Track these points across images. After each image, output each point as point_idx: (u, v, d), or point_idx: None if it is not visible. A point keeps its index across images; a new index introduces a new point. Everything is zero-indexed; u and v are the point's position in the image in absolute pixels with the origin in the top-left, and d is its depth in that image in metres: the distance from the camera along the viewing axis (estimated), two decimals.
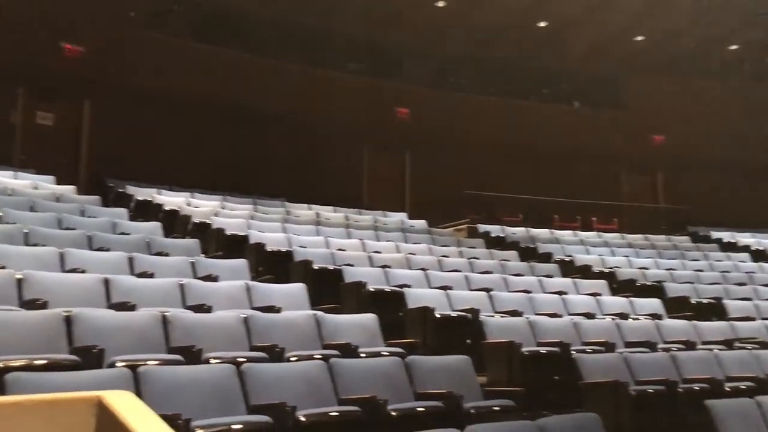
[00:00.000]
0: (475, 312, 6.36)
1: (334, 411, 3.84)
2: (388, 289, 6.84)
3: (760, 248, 13.47)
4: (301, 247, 7.98)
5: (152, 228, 7.93)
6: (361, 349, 4.82)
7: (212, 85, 13.07)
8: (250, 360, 4.16)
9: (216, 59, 13.65)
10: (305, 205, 12.11)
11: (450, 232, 12.35)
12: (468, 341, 6.22)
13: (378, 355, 4.84)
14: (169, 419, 3.03)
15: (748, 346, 6.77)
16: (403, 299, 6.52)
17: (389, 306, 6.48)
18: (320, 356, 4.50)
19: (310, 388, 4.08)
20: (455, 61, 16.42)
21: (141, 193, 10.64)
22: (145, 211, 9.70)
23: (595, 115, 17.04)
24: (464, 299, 6.91)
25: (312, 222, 10.23)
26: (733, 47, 15.99)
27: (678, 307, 8.35)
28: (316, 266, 7.12)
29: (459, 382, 4.64)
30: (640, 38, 15.63)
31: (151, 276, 5.69)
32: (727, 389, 5.39)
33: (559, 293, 7.80)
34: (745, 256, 12.69)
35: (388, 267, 7.64)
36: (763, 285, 10.07)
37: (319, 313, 5.37)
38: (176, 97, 12.71)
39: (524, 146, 15.76)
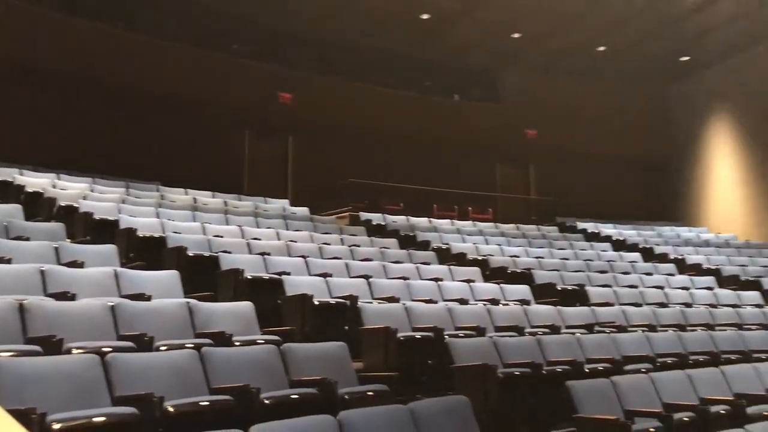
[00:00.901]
0: (353, 299, 6.41)
1: (204, 401, 3.75)
2: (266, 276, 6.75)
3: (621, 238, 14.46)
4: (175, 232, 7.70)
5: (11, 210, 7.39)
6: (235, 338, 4.73)
7: (84, 61, 12.32)
8: (116, 350, 3.97)
9: (89, 34, 12.88)
10: (182, 190, 11.71)
11: (332, 220, 12.37)
12: (346, 328, 6.26)
13: (253, 343, 4.76)
14: (20, 414, 2.85)
15: (607, 329, 7.25)
16: (282, 287, 6.45)
17: (267, 294, 6.40)
18: (192, 345, 4.37)
19: (181, 378, 3.95)
20: (340, 48, 16.40)
21: None
22: (4, 192, 9.01)
23: (474, 108, 17.58)
24: (344, 286, 6.94)
25: (188, 207, 9.91)
26: (601, 48, 16.96)
27: (545, 293, 8.80)
28: (191, 253, 6.89)
29: (335, 368, 4.66)
30: (517, 35, 16.25)
31: (8, 262, 5.30)
32: (587, 370, 5.74)
33: (436, 280, 8.01)
34: (606, 245, 13.57)
35: (268, 254, 7.53)
36: (622, 273, 10.81)
37: (193, 301, 5.21)
38: (43, 71, 11.90)
39: (404, 136, 16.03)
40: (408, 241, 11.17)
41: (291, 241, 8.80)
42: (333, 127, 15.12)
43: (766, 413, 5.32)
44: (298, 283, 6.57)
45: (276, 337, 4.99)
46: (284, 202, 12.73)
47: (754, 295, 10.38)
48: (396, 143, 15.94)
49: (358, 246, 9.51)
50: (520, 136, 17.53)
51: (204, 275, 6.55)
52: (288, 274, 6.80)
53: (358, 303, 6.25)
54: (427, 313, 6.48)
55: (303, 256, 7.82)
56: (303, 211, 11.98)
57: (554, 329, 6.80)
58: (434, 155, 16.38)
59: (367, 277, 7.41)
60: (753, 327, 8.39)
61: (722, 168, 17.71)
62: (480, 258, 10.35)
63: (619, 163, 18.48)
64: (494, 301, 7.58)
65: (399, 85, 16.72)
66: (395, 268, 8.41)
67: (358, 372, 5.23)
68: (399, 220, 12.94)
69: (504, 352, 5.74)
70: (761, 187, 16.47)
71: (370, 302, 6.57)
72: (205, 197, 11.45)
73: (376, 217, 12.72)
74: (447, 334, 5.89)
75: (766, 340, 7.71)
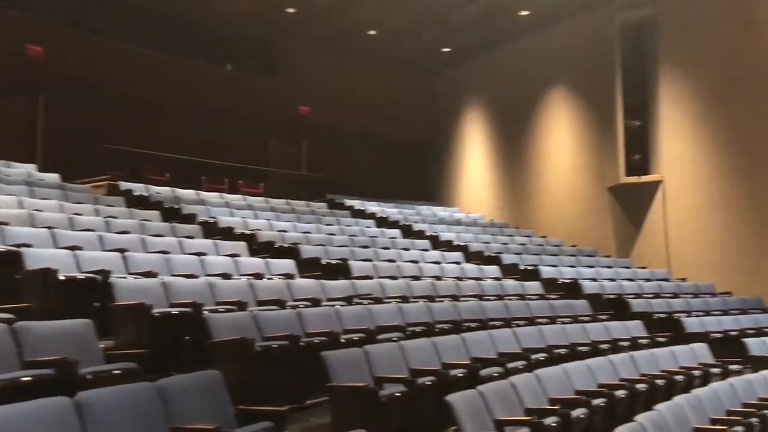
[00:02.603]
0: (105, 274, 6.00)
1: None
2: (2, 248, 6.06)
3: (384, 216, 15.23)
4: None
5: None
6: None
7: None
8: None
9: None
10: None
11: (87, 189, 11.45)
12: (97, 305, 5.86)
13: None
14: None
15: (365, 301, 7.61)
16: (21, 260, 5.85)
17: (3, 268, 5.78)
18: None
19: None
20: (103, 4, 15.07)
21: None
22: None
23: (248, 80, 17.29)
24: (96, 260, 6.48)
25: None
26: (372, 32, 17.59)
27: (310, 267, 9.00)
28: None
29: (78, 347, 4.34)
30: (292, 10, 16.22)
31: None
32: (343, 341, 5.98)
33: (198, 254, 7.79)
34: (371, 222, 14.21)
35: (6, 224, 6.77)
36: (382, 248, 11.39)
37: None
38: None
39: (175, 104, 15.31)
40: (172, 214, 10.73)
41: (36, 210, 8.00)
42: (93, 89, 13.90)
43: (495, 374, 5.97)
44: (41, 257, 5.99)
45: (10, 315, 4.51)
46: (31, 167, 11.51)
47: (494, 269, 11.56)
48: (165, 110, 15.15)
49: (116, 218, 8.93)
50: (294, 112, 17.62)
51: None
52: (30, 246, 6.18)
53: (111, 278, 5.87)
54: (186, 289, 6.28)
55: (49, 227, 7.16)
56: (53, 177, 10.95)
57: (315, 302, 6.97)
58: (206, 125, 15.85)
59: (122, 250, 6.98)
60: (491, 298, 9.34)
61: (474, 154, 19.40)
62: (248, 232, 10.26)
63: (387, 145, 19.41)
64: (258, 276, 7.58)
65: (170, 50, 15.87)
66: (155, 241, 8.04)
67: (109, 351, 4.94)
68: (164, 191, 12.36)
69: (264, 326, 5.77)
70: (506, 172, 18.33)
71: (125, 277, 6.21)
72: None
73: (138, 188, 12.03)
74: (206, 310, 5.77)
75: (501, 310, 8.64)
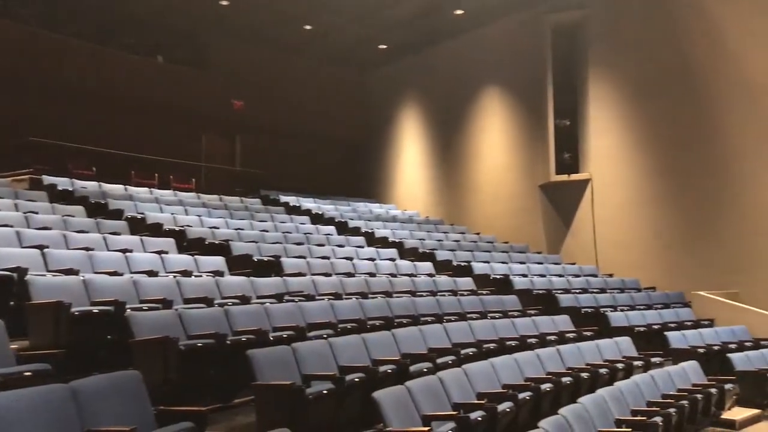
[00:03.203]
0: (22, 271, 5.76)
1: None
2: None
3: (320, 212, 15.13)
4: None
5: None
6: None
7: None
8: None
9: None
10: None
11: (7, 183, 10.98)
12: (12, 303, 5.63)
13: None
14: None
15: (296, 298, 7.54)
16: None
17: None
18: None
19: None
20: None
21: None
22: None
23: (180, 72, 16.88)
24: (12, 257, 6.22)
25: None
26: (308, 27, 17.44)
27: (240, 264, 8.85)
28: None
29: None
30: (225, 2, 15.90)
31: None
32: (271, 338, 5.91)
33: (124, 251, 7.56)
34: (306, 218, 14.09)
35: None
36: (317, 245, 11.33)
37: None
38: None
39: (105, 95, 14.81)
40: (98, 210, 10.38)
41: None
42: (18, 79, 13.33)
43: (425, 370, 6.00)
44: None
45: None
46: None
47: (428, 266, 11.64)
48: (93, 103, 14.62)
49: (36, 213, 8.58)
50: (227, 106, 17.31)
51: None
52: None
53: (27, 276, 5.63)
54: (109, 287, 6.08)
55: None
56: None
57: (245, 300, 6.86)
58: (136, 118, 15.41)
59: (42, 247, 6.71)
60: (424, 294, 9.39)
61: (410, 151, 19.51)
62: (177, 229, 10.02)
63: (323, 141, 19.31)
64: (186, 273, 7.41)
65: (100, 40, 15.34)
66: (78, 238, 7.77)
67: (22, 352, 4.74)
68: (90, 186, 11.95)
69: (190, 324, 5.64)
70: (441, 169, 18.49)
71: (44, 275, 5.97)
72: None
73: (62, 182, 11.59)
74: (130, 308, 5.60)
75: (433, 306, 8.69)
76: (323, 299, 7.70)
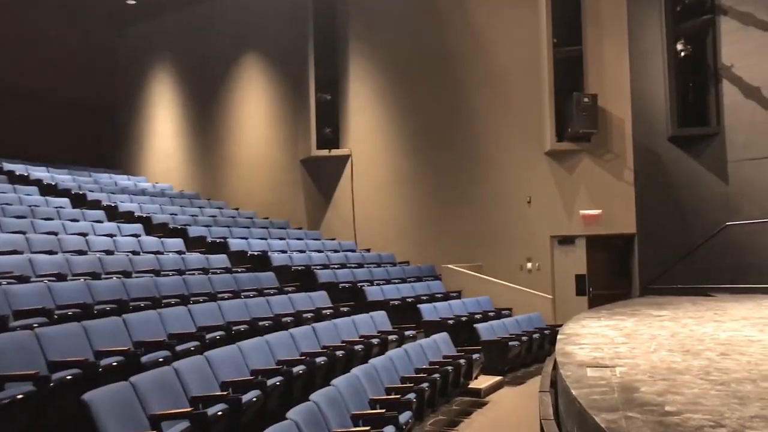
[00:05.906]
0: None
1: None
2: None
3: (53, 183, 13.25)
4: None
5: None
6: None
7: None
8: None
9: None
10: None
11: None
12: None
13: None
14: None
15: (3, 282, 6.24)
16: None
17: None
18: None
19: None
20: None
21: None
22: None
23: None
24: None
25: None
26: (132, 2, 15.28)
27: None
28: None
29: None
30: None
31: None
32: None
33: None
34: (34, 189, 12.22)
35: None
36: (44, 219, 9.76)
37: None
38: None
39: None
40: None
41: None
42: None
43: (161, 359, 5.20)
44: None
45: None
46: None
47: (178, 242, 10.63)
48: None
49: None
50: None
51: None
52: None
53: None
54: None
55: None
56: None
57: None
58: None
59: None
60: (170, 273, 8.46)
61: (162, 119, 18.00)
62: None
63: (62, 104, 17.03)
64: None
65: None
66: None
67: None
68: None
69: None
70: (198, 140, 17.31)
71: None
72: None
73: None
74: None
75: (179, 286, 7.82)
76: (41, 281, 6.46)
